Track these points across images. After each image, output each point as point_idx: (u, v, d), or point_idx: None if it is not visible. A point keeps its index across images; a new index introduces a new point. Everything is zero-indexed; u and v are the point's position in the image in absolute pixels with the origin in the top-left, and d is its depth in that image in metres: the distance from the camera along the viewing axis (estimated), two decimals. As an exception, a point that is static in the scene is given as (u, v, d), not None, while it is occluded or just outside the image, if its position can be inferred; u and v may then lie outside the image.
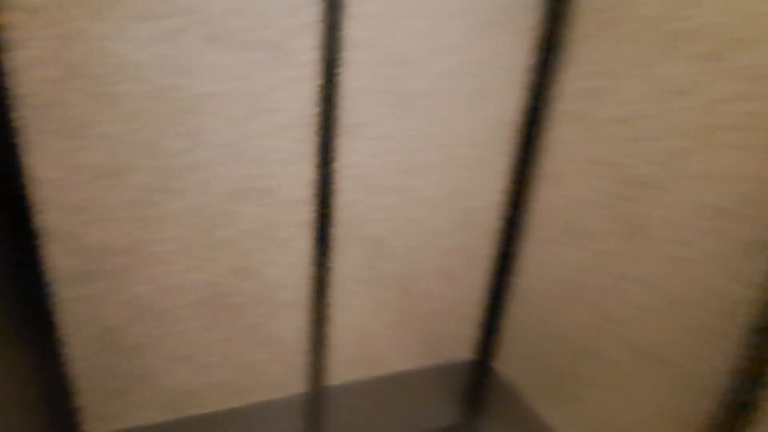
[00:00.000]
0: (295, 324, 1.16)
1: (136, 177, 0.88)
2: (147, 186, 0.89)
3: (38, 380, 0.94)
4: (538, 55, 1.10)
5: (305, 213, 1.05)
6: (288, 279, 1.10)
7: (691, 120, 0.79)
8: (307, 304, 1.15)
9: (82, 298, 0.93)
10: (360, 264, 1.17)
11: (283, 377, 1.22)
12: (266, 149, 0.95)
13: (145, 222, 0.92)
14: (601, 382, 1.03)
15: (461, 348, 1.45)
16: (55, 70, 0.74)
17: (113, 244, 0.92)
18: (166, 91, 0.84)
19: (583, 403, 1.09)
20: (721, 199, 0.75)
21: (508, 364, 1.39)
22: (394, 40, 0.97)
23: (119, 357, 1.01)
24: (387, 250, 1.19)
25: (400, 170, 1.11)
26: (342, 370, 1.29)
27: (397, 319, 1.31)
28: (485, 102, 1.12)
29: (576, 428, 1.12)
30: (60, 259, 0.88)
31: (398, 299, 1.28)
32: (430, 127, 1.10)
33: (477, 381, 1.48)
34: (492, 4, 1.03)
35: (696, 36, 0.78)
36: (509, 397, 1.37)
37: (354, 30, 0.92)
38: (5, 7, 0.68)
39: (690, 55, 0.79)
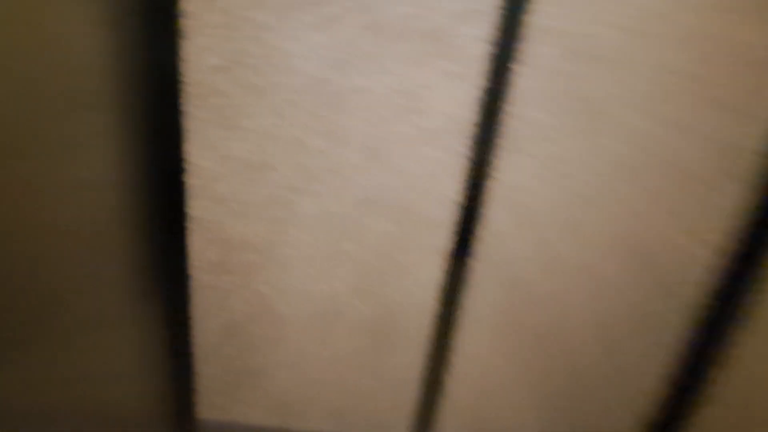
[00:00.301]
0: (410, 360, 1.00)
1: (277, 174, 0.84)
2: (285, 184, 0.85)
3: (165, 358, 0.98)
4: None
5: (441, 238, 0.88)
6: (410, 310, 0.94)
7: None
8: (428, 342, 0.98)
9: (213, 289, 0.94)
10: (496, 308, 0.95)
11: (388, 414, 1.07)
12: (409, 157, 0.82)
13: (277, 222, 0.88)
14: None
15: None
16: (217, 59, 0.73)
17: (247, 239, 0.90)
18: (316, 85, 0.77)
19: None
20: None
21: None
22: (589, 27, 0.73)
23: (236, 352, 1.00)
24: (533, 297, 0.94)
25: (568, 199, 0.85)
26: (452, 423, 1.09)
27: (528, 380, 1.05)
28: (720, 117, 0.79)
29: None
30: (200, 247, 0.90)
31: (535, 358, 1.01)
32: (621, 147, 0.81)
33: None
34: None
35: None
36: None
37: (541, 14, 0.72)
38: (185, -4, 0.68)
39: None
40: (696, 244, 0.88)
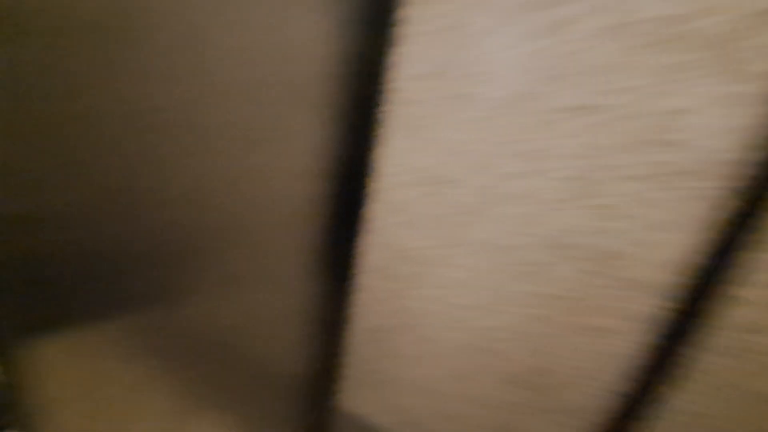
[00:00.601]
0: (565, 420, 0.82)
1: (459, 192, 0.77)
2: (465, 204, 0.77)
3: (318, 344, 1.03)
4: None
5: (652, 306, 0.67)
6: (585, 379, 0.76)
7: None
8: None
9: (371, 291, 0.94)
10: (719, 416, 0.68)
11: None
12: (631, 196, 0.64)
13: (445, 241, 0.82)
14: None
15: None
16: (423, 67, 0.70)
17: (414, 252, 0.86)
18: (521, 100, 0.67)
19: None
20: None
21: None
22: None
23: (380, 356, 1.00)
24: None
25: None
26: None
27: None
28: None
29: None
30: (369, 250, 0.91)
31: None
32: None
33: None
34: None
35: None
36: None
37: None
38: (405, 2, 0.67)
39: None
40: None
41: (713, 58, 0.54)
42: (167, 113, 0.53)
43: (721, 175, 0.57)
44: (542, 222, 0.71)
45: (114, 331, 0.58)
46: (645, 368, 0.69)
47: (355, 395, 1.08)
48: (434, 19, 0.67)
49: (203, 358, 0.78)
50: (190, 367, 0.76)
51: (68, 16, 0.40)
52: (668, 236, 0.61)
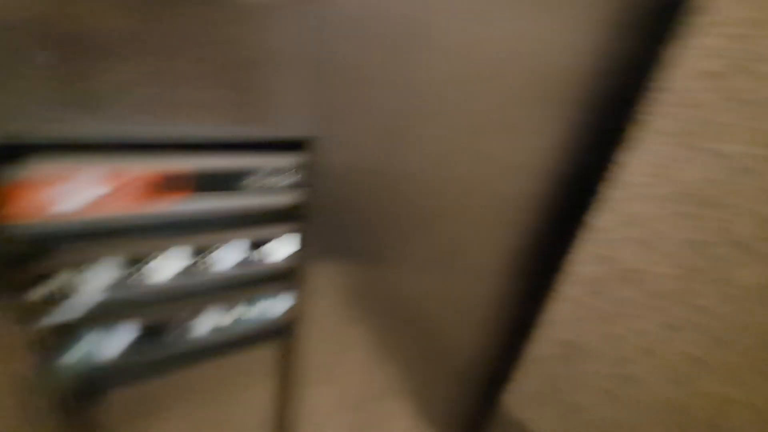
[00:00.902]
0: None
1: (725, 219, 0.64)
2: (729, 234, 0.63)
3: (503, 345, 1.03)
4: None
5: None
6: None
7: None
8: None
9: (572, 303, 0.88)
10: None
11: None
12: None
13: (691, 273, 0.68)
14: None
15: None
16: (715, 63, 0.60)
17: (639, 275, 0.76)
18: None
19: None
20: None
21: None
22: None
23: (565, 375, 0.92)
24: None
25: None
26: None
27: None
28: None
29: None
30: (583, 259, 0.84)
31: None
32: None
33: None
34: None
35: None
36: None
37: None
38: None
39: None
40: None
41: None
42: (420, 91, 0.61)
43: None
44: None
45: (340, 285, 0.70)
46: None
47: (528, 406, 1.03)
48: (745, 8, 0.56)
49: (395, 333, 0.87)
50: (383, 340, 0.86)
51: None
52: None
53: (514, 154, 0.82)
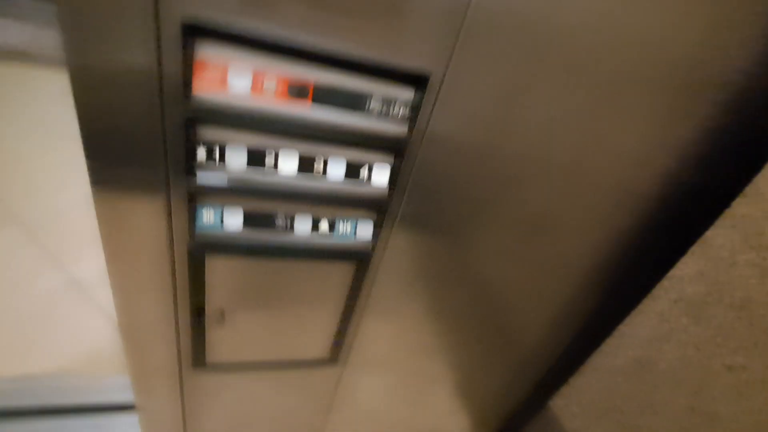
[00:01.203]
0: None
1: None
2: None
3: (570, 349, 0.98)
4: None
5: None
6: None
7: None
8: None
9: (665, 321, 0.80)
10: None
11: None
12: None
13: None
14: None
15: None
16: None
17: (755, 306, 0.67)
18: None
19: None
20: None
21: None
22: None
23: (629, 395, 0.86)
24: None
25: None
26: None
27: None
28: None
29: None
30: (689, 278, 0.76)
31: None
32: None
33: None
34: None
35: None
36: None
37: None
38: None
39: None
40: None
41: None
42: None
43: None
44: None
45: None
46: None
47: (579, 416, 0.98)
48: None
49: (459, 310, 0.86)
50: (445, 313, 0.86)
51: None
52: None
53: (631, 147, 0.75)
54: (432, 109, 0.53)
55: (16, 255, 1.46)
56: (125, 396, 1.04)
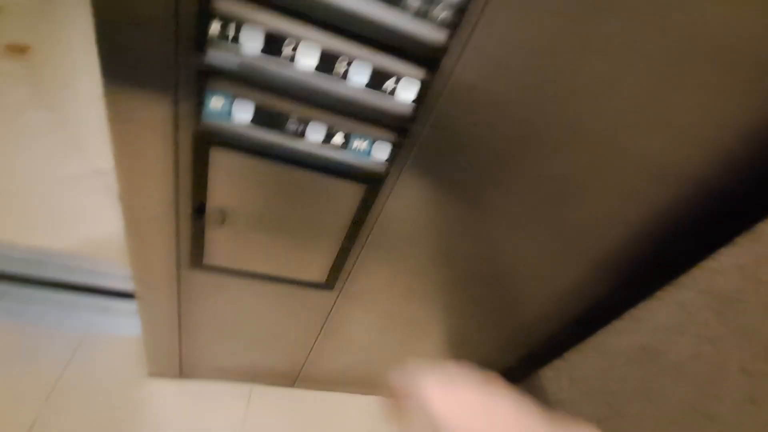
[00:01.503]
0: None
1: None
2: None
3: (575, 325, 0.94)
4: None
5: None
6: None
7: None
8: None
9: (684, 312, 0.75)
10: None
11: None
12: None
13: None
14: None
15: None
16: None
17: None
18: None
19: None
20: None
21: None
22: None
23: (634, 384, 0.83)
24: None
25: None
26: None
27: None
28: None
29: None
30: (716, 272, 0.70)
31: None
32: None
33: None
34: None
35: None
36: None
37: None
38: None
39: None
40: None
41: None
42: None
43: None
44: None
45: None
46: None
47: (567, 388, 0.96)
48: None
49: (465, 268, 0.82)
50: (451, 267, 0.82)
51: None
52: None
53: (685, 123, 0.65)
54: (479, 17, 0.46)
55: (45, 139, 1.49)
56: (129, 285, 1.08)
